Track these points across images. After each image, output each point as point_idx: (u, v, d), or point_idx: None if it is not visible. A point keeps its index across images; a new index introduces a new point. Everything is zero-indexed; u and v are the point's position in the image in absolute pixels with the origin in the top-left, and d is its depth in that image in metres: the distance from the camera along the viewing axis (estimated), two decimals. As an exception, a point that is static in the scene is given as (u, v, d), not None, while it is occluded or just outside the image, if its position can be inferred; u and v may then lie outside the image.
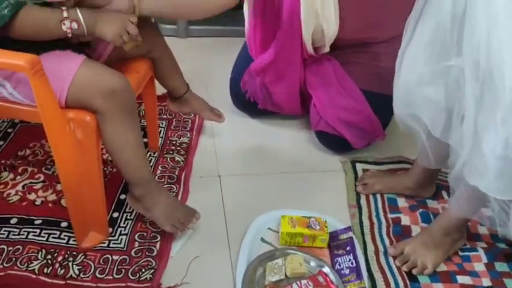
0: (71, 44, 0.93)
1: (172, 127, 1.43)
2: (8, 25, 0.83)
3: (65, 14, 0.84)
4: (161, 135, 1.39)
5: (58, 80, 0.86)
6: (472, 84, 0.80)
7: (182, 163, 1.29)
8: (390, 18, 1.20)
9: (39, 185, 1.17)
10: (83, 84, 0.87)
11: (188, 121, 1.45)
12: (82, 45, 0.97)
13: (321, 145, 1.37)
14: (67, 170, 0.93)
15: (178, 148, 1.35)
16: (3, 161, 1.21)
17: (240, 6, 1.96)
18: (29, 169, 1.21)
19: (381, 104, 1.20)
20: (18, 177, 1.18)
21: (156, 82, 1.21)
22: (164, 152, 1.33)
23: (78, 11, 0.87)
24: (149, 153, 1.30)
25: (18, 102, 0.91)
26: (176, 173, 1.25)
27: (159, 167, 1.27)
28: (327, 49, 1.25)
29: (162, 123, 1.43)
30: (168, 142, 1.37)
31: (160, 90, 1.24)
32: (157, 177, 1.23)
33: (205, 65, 1.71)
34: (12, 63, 0.81)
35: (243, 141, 1.41)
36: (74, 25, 0.86)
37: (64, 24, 0.85)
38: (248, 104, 1.44)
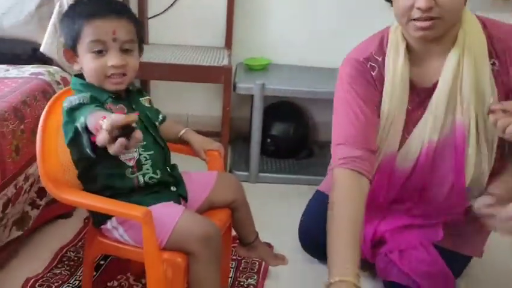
0: (173, 194, 1.16)
1: (240, 268, 1.56)
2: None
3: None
4: (230, 275, 1.51)
5: (162, 227, 1.05)
6: None
7: (249, 304, 1.39)
8: None
9: (122, 315, 1.31)
10: (183, 231, 1.05)
11: (255, 263, 1.58)
12: (180, 196, 1.19)
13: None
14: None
15: (246, 289, 1.46)
16: (95, 290, 1.38)
17: (309, 155, 2.21)
18: (116, 299, 1.36)
19: (452, 262, 1.27)
20: (106, 306, 1.34)
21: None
22: (233, 292, 1.44)
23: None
24: (219, 292, 1.41)
25: (125, 243, 1.11)
26: (244, 314, 1.35)
27: (228, 307, 1.38)
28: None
29: (232, 264, 1.56)
30: (237, 283, 1.48)
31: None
32: (225, 316, 1.33)
33: (273, 210, 1.88)
34: (131, 214, 1.02)
35: (308, 286, 1.49)
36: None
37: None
38: (318, 249, 1.54)
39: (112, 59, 1.06)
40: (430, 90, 1.22)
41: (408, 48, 1.21)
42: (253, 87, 2.02)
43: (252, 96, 2.07)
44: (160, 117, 1.27)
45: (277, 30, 2.34)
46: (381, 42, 1.26)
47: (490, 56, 1.17)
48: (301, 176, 2.12)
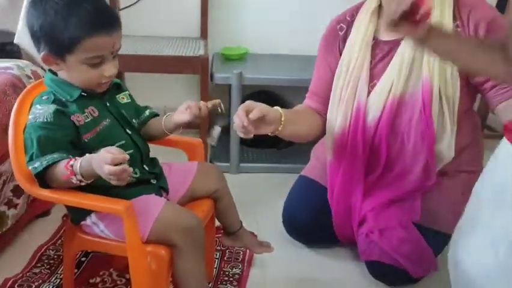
0: (154, 187, 1.14)
1: (225, 258, 1.55)
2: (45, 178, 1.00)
3: (68, 172, 0.96)
4: (215, 265, 1.50)
5: (143, 219, 1.03)
6: None
7: (235, 294, 1.38)
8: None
9: (107, 312, 1.28)
10: (164, 223, 1.04)
11: (240, 253, 1.57)
12: (161, 189, 1.17)
13: (373, 279, 1.41)
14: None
15: (231, 279, 1.45)
16: (77, 288, 1.35)
17: (289, 144, 2.22)
18: (99, 296, 1.34)
19: (430, 239, 1.31)
20: (90, 303, 1.31)
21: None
22: (218, 283, 1.43)
23: (78, 164, 0.95)
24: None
25: (106, 238, 1.09)
26: (230, 304, 1.34)
27: (214, 297, 1.37)
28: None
29: (216, 254, 1.55)
30: (222, 273, 1.48)
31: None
32: (212, 307, 1.32)
33: (256, 199, 1.87)
34: (112, 208, 1.00)
35: (293, 272, 1.49)
36: (79, 177, 0.96)
37: (72, 179, 0.97)
38: (303, 233, 1.55)
39: (110, 70, 1.05)
40: (395, 43, 1.30)
41: (381, 7, 1.34)
42: (231, 76, 2.00)
43: (229, 86, 2.05)
44: (147, 113, 1.23)
45: (253, 18, 2.32)
46: (359, 5, 1.39)
47: (454, 19, 1.27)
48: (282, 165, 2.12)
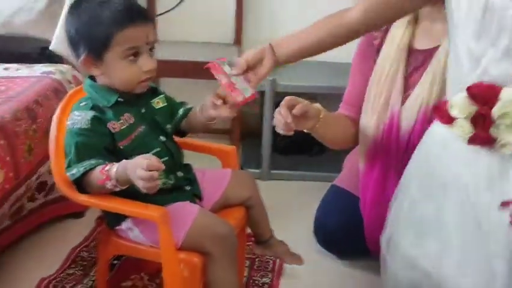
0: (188, 193, 1.14)
1: (255, 267, 1.54)
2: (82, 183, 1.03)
3: (103, 176, 0.99)
4: (245, 274, 1.50)
5: (177, 226, 1.04)
6: None
7: (264, 303, 1.38)
8: None
9: (138, 315, 1.30)
10: (198, 230, 1.04)
11: (269, 262, 1.56)
12: (195, 196, 1.17)
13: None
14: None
15: (261, 288, 1.45)
16: (109, 291, 1.37)
17: (321, 151, 2.19)
18: (130, 299, 1.35)
19: None
20: (121, 306, 1.33)
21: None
22: (248, 291, 1.43)
23: (114, 169, 0.98)
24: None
25: (140, 243, 1.10)
26: (260, 313, 1.33)
27: (243, 306, 1.36)
28: None
29: (246, 262, 1.54)
30: (251, 281, 1.47)
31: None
32: (241, 315, 1.32)
33: (286, 207, 1.85)
34: (147, 214, 1.01)
35: (323, 284, 1.47)
36: (113, 182, 0.98)
37: (107, 184, 0.99)
38: (334, 243, 1.53)
39: (147, 64, 1.07)
40: (430, 52, 1.28)
41: (416, 16, 1.32)
42: (264, 83, 2.00)
43: (262, 92, 2.05)
44: (181, 112, 1.23)
45: (287, 25, 2.29)
46: None
47: None
48: (313, 173, 2.09)
